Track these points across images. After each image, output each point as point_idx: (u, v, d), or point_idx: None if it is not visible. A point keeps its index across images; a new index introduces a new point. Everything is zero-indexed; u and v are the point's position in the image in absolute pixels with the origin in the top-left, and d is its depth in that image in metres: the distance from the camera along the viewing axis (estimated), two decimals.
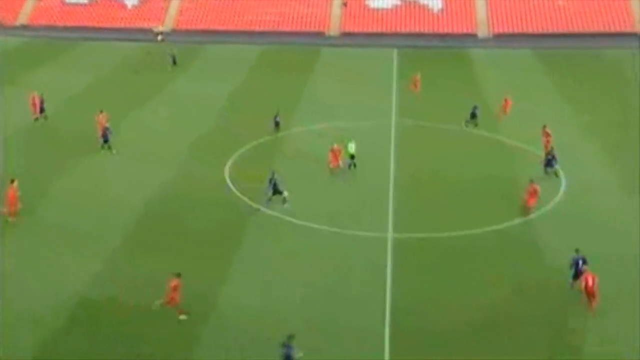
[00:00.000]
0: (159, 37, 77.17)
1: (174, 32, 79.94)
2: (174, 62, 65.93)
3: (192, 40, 76.61)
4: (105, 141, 44.44)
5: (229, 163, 43.51)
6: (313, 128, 50.42)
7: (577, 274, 29.30)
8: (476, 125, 49.92)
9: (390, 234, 34.86)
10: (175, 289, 27.07)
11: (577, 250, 29.90)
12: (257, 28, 78.93)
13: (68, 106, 54.51)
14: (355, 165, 42.00)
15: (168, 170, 42.11)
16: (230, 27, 79.13)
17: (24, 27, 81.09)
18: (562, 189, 40.17)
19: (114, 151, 44.05)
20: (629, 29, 74.76)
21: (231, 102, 56.46)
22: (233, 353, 25.64)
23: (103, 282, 30.09)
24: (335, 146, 42.15)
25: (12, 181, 32.83)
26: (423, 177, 41.99)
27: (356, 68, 67.13)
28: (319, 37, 78.17)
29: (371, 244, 34.00)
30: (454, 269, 31.61)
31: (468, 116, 50.54)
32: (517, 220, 36.38)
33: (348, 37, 77.77)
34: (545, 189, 39.58)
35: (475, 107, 50.61)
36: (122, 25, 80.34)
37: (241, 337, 26.45)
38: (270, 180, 37.33)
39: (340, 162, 42.03)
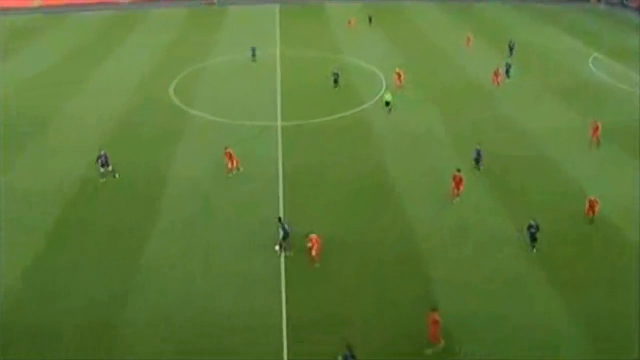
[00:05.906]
0: None
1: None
2: (336, 82, 45.69)
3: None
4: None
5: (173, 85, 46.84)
6: (225, 58, 53.59)
7: (478, 159, 30.61)
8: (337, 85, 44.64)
9: (279, 122, 38.75)
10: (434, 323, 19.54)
11: (479, 143, 32.03)
12: None
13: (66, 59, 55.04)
14: None
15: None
16: None
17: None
18: (383, 86, 44.86)
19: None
20: None
21: (172, 45, 58.66)
22: None
23: None
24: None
25: None
26: (299, 83, 46.08)
27: (252, 17, 70.10)
28: None
29: (266, 129, 37.55)
30: (323, 140, 35.63)
31: (332, 80, 45.08)
32: (357, 109, 41.05)
33: None
34: (373, 87, 44.70)
35: (336, 74, 45.02)
36: None
37: None
38: (99, 158, 30.89)
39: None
